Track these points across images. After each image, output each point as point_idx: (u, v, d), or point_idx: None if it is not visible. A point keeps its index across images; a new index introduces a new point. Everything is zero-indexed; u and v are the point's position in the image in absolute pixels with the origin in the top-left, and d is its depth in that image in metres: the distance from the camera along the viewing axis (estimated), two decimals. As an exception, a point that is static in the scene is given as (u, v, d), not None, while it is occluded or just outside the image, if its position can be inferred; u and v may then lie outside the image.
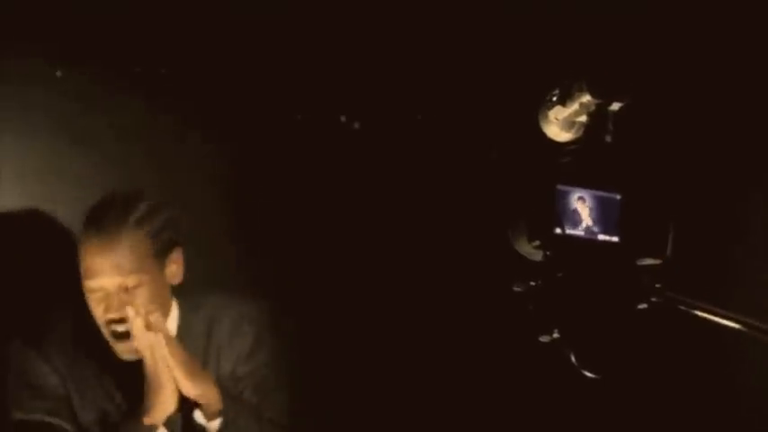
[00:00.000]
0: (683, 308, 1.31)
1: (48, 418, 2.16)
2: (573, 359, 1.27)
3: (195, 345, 2.26)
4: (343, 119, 2.86)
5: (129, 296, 2.11)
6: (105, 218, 2.14)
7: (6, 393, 2.21)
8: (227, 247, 2.76)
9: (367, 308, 2.84)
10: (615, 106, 1.49)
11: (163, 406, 2.09)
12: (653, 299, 1.34)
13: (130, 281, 2.10)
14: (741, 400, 2.51)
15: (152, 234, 2.16)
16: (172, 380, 2.08)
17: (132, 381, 2.17)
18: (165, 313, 2.23)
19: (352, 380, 2.84)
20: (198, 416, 2.16)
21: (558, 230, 1.36)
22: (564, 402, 2.71)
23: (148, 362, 2.08)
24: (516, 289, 1.40)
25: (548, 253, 1.35)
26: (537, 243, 1.39)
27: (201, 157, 2.74)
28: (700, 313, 1.30)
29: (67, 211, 2.54)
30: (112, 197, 2.21)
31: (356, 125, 2.87)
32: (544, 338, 1.29)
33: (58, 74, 2.55)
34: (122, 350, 2.16)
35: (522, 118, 1.78)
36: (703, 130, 2.60)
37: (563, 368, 1.29)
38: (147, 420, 2.09)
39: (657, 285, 1.39)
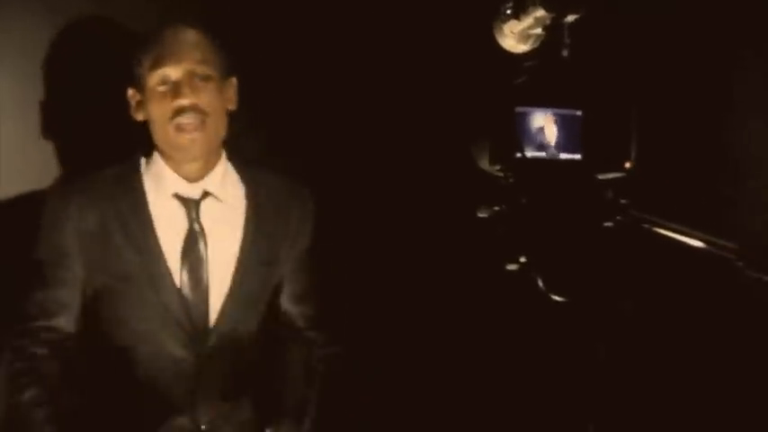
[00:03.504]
0: (646, 226, 1.30)
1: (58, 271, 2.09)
2: (540, 284, 1.26)
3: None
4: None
5: (198, 88, 2.07)
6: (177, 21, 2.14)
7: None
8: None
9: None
10: (570, 18, 1.46)
11: None
12: (618, 217, 1.33)
13: (202, 69, 2.07)
14: (706, 321, 2.54)
15: (216, 44, 2.14)
16: None
17: None
18: (219, 141, 2.18)
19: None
20: None
21: (519, 154, 1.34)
22: (533, 327, 2.72)
23: None
24: (481, 215, 1.38)
25: (510, 178, 1.33)
26: (498, 167, 1.37)
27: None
28: (663, 231, 1.28)
29: (74, 97, 2.44)
30: None
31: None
32: (511, 267, 1.28)
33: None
34: (184, 141, 2.08)
35: (477, 32, 1.75)
36: (664, 34, 2.56)
37: (531, 293, 1.28)
38: None
39: (623, 201, 1.38)
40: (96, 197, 2.10)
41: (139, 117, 2.14)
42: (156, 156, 2.15)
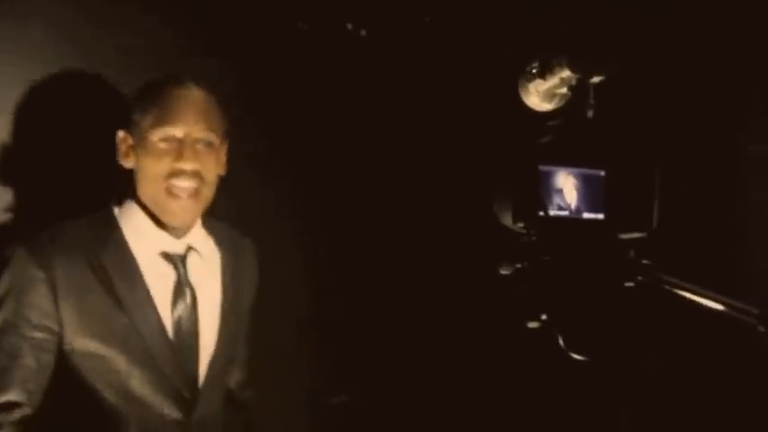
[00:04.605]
0: (667, 287, 1.30)
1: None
2: (561, 342, 1.26)
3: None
4: (349, 26, 2.79)
5: (200, 153, 1.99)
6: (184, 76, 2.05)
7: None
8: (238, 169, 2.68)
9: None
10: (596, 80, 1.47)
11: None
12: (639, 277, 1.33)
13: (207, 135, 2.00)
14: (726, 382, 2.51)
15: (220, 109, 2.07)
16: None
17: None
18: (206, 207, 2.08)
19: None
20: None
21: (542, 213, 1.35)
22: (553, 386, 2.70)
23: None
24: (503, 272, 1.38)
25: (532, 236, 1.34)
26: (521, 225, 1.38)
27: (206, 72, 2.65)
28: (684, 293, 1.28)
29: (75, 123, 2.39)
30: None
31: (363, 32, 2.80)
32: (532, 324, 1.28)
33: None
34: (176, 208, 2.00)
35: (503, 90, 1.76)
36: (686, 98, 2.58)
37: (551, 351, 1.28)
38: None
39: (645, 262, 1.38)
40: (72, 250, 1.94)
41: (128, 164, 2.03)
42: (134, 208, 2.04)
